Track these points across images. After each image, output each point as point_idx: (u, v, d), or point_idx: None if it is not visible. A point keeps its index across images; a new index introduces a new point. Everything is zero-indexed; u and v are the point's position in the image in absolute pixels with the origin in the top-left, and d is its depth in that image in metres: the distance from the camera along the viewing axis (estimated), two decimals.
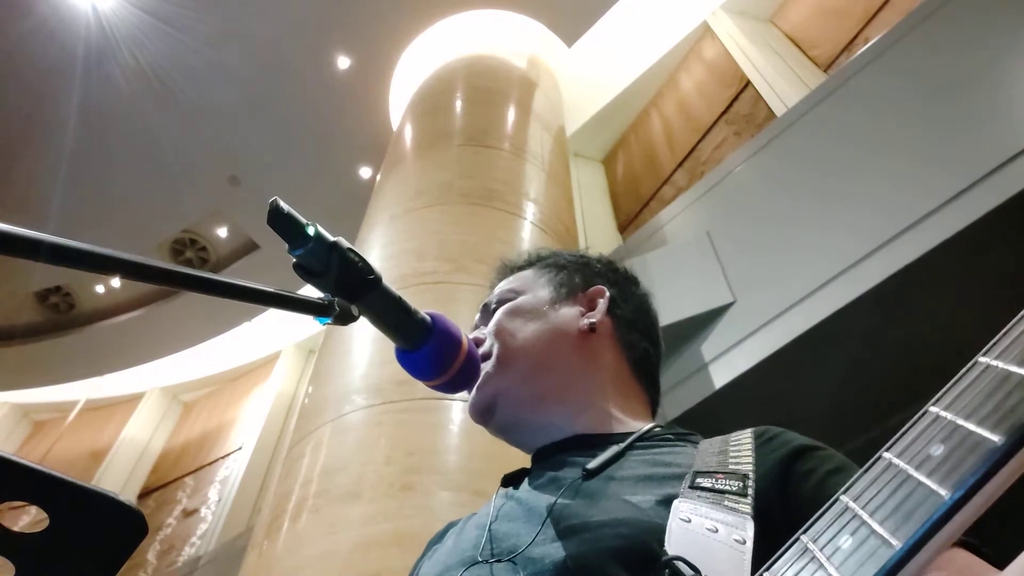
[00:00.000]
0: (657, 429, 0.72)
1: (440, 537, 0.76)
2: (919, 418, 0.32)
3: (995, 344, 0.31)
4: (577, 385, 0.77)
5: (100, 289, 7.02)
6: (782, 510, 0.53)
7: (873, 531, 0.30)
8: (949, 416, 0.30)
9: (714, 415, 2.54)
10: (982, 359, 0.31)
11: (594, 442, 0.70)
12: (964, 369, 0.32)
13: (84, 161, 5.62)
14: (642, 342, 0.84)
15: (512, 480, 0.74)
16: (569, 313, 0.82)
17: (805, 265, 2.53)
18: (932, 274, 2.19)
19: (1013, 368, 0.29)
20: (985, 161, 2.16)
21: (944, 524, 0.28)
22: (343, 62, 5.31)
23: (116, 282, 6.77)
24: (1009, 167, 2.10)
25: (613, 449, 0.66)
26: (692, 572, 0.45)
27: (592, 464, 0.64)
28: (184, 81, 5.29)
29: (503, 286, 0.88)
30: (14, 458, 0.35)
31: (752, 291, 2.71)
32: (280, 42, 5.20)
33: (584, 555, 0.54)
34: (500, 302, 0.84)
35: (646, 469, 0.63)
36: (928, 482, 0.29)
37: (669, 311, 2.81)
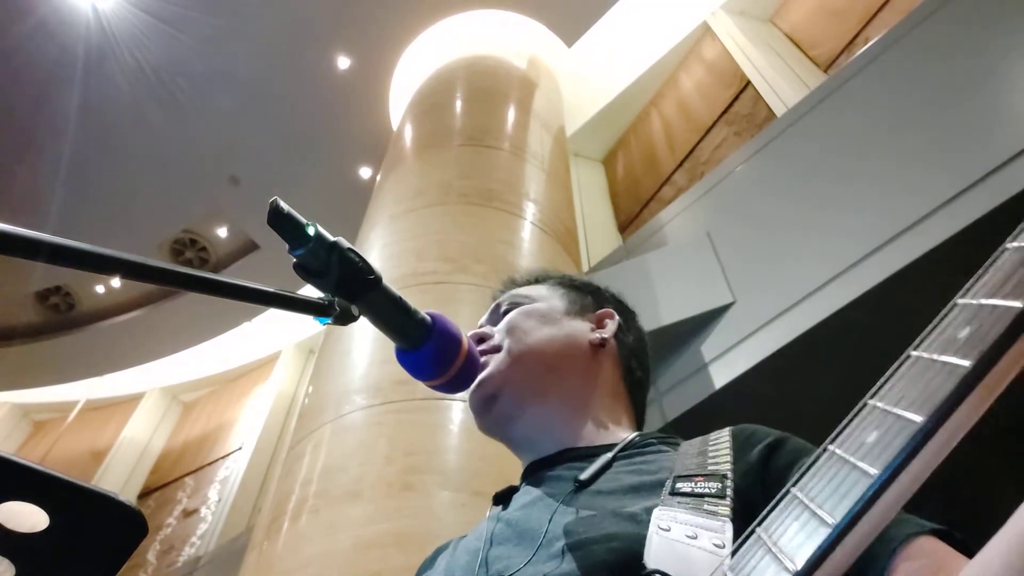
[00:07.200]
0: (637, 438, 0.74)
1: (431, 562, 0.76)
2: (858, 411, 0.35)
3: (923, 339, 0.34)
4: (578, 392, 0.79)
5: (100, 289, 7.02)
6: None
7: (814, 514, 0.32)
8: (881, 405, 0.33)
9: (714, 415, 2.53)
10: (912, 352, 0.34)
11: (582, 455, 0.72)
12: (897, 363, 0.35)
13: (84, 161, 5.62)
14: (638, 370, 0.88)
15: (502, 499, 0.74)
16: (581, 326, 0.85)
17: (805, 265, 2.53)
18: (932, 275, 2.18)
19: (936, 356, 0.32)
20: (985, 162, 2.16)
21: (876, 499, 0.30)
22: (343, 62, 5.31)
23: (116, 282, 6.77)
24: (1008, 168, 2.10)
25: (602, 460, 0.68)
26: None
27: (584, 475, 0.66)
28: (184, 81, 5.29)
29: (516, 292, 0.90)
30: (14, 458, 0.35)
31: (752, 291, 2.70)
32: (280, 42, 5.20)
33: (576, 572, 0.54)
34: (513, 304, 0.87)
35: (632, 479, 0.64)
36: (861, 464, 0.32)
37: (669, 311, 2.80)
